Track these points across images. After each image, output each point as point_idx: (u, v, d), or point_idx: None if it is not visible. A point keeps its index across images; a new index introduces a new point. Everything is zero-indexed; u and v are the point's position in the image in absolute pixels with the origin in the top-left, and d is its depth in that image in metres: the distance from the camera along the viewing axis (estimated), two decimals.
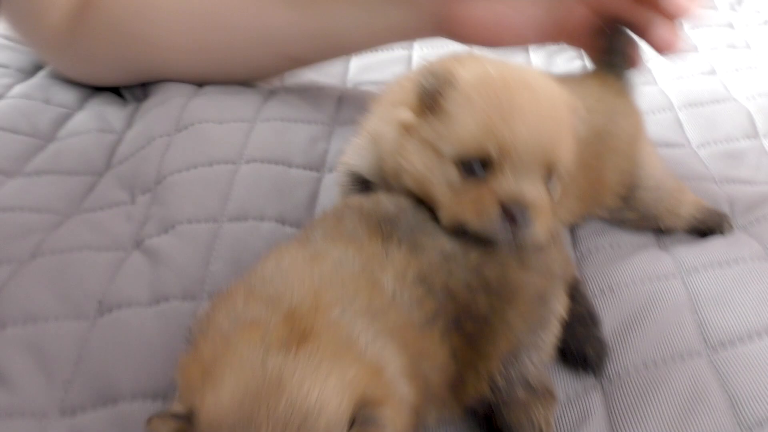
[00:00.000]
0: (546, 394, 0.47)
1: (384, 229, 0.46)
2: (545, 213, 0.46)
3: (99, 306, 0.55)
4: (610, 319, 0.55)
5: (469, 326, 0.44)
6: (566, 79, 0.59)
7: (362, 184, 0.56)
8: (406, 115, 0.50)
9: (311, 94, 0.83)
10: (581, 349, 0.51)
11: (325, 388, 0.36)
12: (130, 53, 0.79)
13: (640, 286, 0.57)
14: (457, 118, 0.47)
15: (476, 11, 0.68)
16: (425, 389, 0.42)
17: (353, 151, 0.57)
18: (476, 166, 0.46)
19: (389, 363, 0.39)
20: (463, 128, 0.46)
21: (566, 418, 0.49)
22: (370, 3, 0.72)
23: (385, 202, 0.49)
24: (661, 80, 0.92)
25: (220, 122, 0.74)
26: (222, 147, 0.70)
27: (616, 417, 0.48)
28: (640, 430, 0.47)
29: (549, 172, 0.47)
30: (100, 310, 0.55)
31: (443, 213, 0.47)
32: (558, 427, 0.48)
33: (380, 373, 0.38)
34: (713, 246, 0.61)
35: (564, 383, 0.51)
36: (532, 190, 0.45)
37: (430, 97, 0.48)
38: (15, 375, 0.49)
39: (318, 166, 0.71)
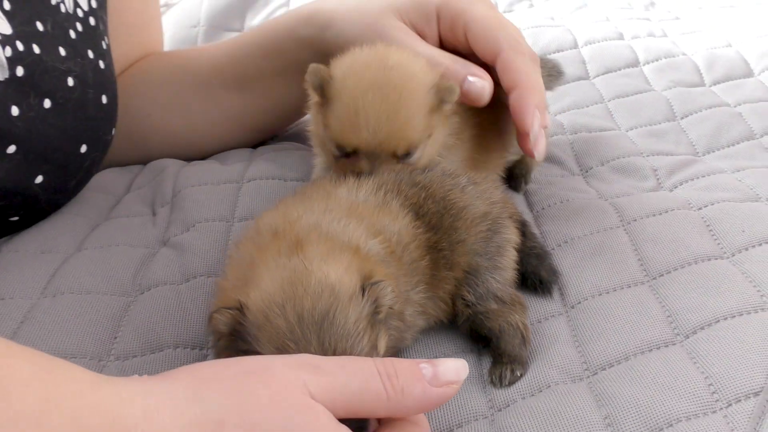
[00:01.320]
0: (516, 303, 0.58)
1: (341, 176, 0.60)
2: None
3: (139, 287, 0.65)
4: (568, 262, 0.66)
5: (428, 218, 0.57)
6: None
7: None
8: (314, 97, 0.65)
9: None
10: (537, 273, 0.63)
11: (337, 270, 0.47)
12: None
13: (590, 237, 0.69)
14: (330, 113, 0.63)
15: None
16: (398, 251, 0.54)
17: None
18: (345, 152, 0.62)
19: (357, 237, 0.52)
20: (332, 126, 0.63)
21: (537, 340, 0.60)
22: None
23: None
24: (593, 76, 1.06)
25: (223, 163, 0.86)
26: (225, 173, 0.82)
27: (579, 335, 0.59)
28: (599, 343, 0.58)
29: (401, 153, 0.62)
30: (140, 289, 0.65)
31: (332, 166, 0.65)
32: (535, 351, 0.59)
33: (358, 249, 0.51)
34: (648, 199, 0.74)
35: (533, 311, 0.62)
36: (381, 168, 0.61)
37: (318, 89, 0.63)
38: (72, 326, 0.59)
39: (308, 178, 0.82)
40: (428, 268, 0.56)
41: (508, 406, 0.53)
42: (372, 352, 0.47)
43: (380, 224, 0.55)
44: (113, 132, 0.80)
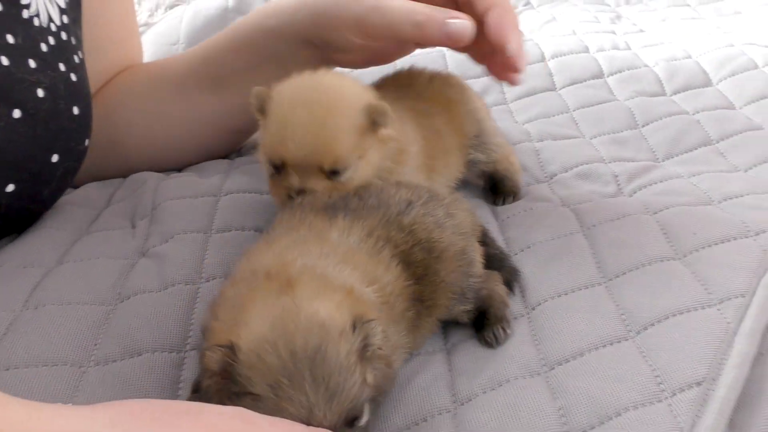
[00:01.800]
0: (491, 277, 0.64)
1: (328, 211, 0.61)
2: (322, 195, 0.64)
3: (118, 296, 0.67)
4: (529, 267, 0.70)
5: (415, 269, 0.59)
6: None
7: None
8: (258, 117, 0.68)
9: None
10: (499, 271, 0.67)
11: (327, 307, 0.49)
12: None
13: (551, 243, 0.73)
14: (265, 130, 0.67)
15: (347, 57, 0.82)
16: (390, 301, 0.56)
17: None
18: (276, 166, 0.66)
19: (352, 281, 0.54)
20: (265, 141, 0.67)
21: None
22: (285, 69, 0.83)
23: (325, 196, 0.64)
24: (559, 88, 1.10)
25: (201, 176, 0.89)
26: (203, 187, 0.85)
27: (539, 334, 0.63)
28: (557, 341, 0.61)
29: (328, 169, 0.65)
30: (120, 298, 0.67)
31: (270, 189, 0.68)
32: (496, 350, 0.62)
33: (351, 291, 0.52)
34: (607, 204, 0.78)
35: None
36: (310, 183, 0.64)
37: (260, 109, 0.67)
38: (53, 335, 0.62)
39: None
40: (412, 319, 0.59)
41: (470, 400, 0.56)
42: (363, 386, 0.48)
43: (375, 273, 0.57)
44: (86, 142, 0.82)
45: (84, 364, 0.60)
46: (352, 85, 0.69)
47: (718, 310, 0.62)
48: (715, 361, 0.56)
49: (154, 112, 0.92)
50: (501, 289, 0.63)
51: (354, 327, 0.49)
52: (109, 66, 0.94)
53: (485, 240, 0.68)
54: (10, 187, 0.72)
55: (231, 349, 0.47)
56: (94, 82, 0.91)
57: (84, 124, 0.80)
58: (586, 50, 1.20)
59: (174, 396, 0.58)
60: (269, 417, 0.45)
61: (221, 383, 0.48)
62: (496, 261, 0.67)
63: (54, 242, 0.78)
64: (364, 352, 0.49)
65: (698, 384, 0.54)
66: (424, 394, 0.57)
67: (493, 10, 0.70)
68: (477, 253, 0.64)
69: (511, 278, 0.67)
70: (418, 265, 0.59)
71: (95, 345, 0.62)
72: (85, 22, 0.87)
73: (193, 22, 1.36)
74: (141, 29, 1.30)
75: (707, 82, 1.10)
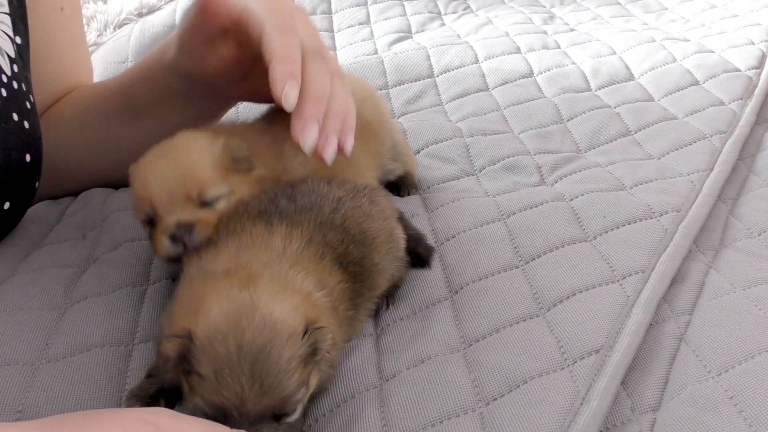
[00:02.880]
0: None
1: (262, 217, 0.65)
2: (201, 222, 0.66)
3: (69, 300, 0.72)
4: (453, 255, 0.76)
5: (351, 267, 0.64)
6: None
7: None
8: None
9: None
10: (416, 252, 0.73)
11: (283, 309, 0.54)
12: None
13: (474, 231, 0.79)
14: (132, 195, 0.71)
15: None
16: (336, 305, 0.61)
17: None
18: (150, 220, 0.68)
19: (308, 286, 0.58)
20: (132, 203, 0.71)
21: (425, 322, 0.68)
22: (191, 104, 0.87)
23: (255, 200, 0.67)
24: (491, 88, 1.17)
25: None
26: None
27: (460, 315, 0.68)
28: (475, 320, 0.67)
29: (197, 197, 0.67)
30: (71, 302, 0.71)
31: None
32: (412, 330, 0.67)
33: (309, 295, 0.58)
34: (528, 194, 0.84)
35: (423, 298, 0.71)
36: (185, 215, 0.66)
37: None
38: (6, 337, 0.66)
39: None
40: (352, 317, 0.64)
41: (395, 376, 0.62)
42: (300, 388, 0.53)
43: (323, 278, 0.61)
44: (36, 185, 0.84)
45: (36, 363, 0.64)
46: (204, 134, 0.71)
47: (620, 285, 0.68)
48: (613, 330, 0.63)
49: (79, 137, 0.94)
50: (405, 274, 0.71)
51: (306, 332, 0.54)
52: (58, 89, 0.97)
53: (402, 221, 0.73)
54: None
55: (188, 337, 0.53)
56: (43, 103, 0.94)
57: (35, 169, 0.83)
58: (518, 51, 1.27)
59: (122, 384, 0.62)
60: (189, 417, 0.50)
61: (177, 364, 0.53)
62: (411, 240, 0.73)
63: (6, 257, 0.81)
64: (311, 357, 0.54)
65: (596, 351, 0.60)
66: (353, 374, 0.62)
67: (271, 63, 0.64)
68: (400, 234, 0.70)
69: (426, 254, 0.74)
70: (355, 263, 0.64)
71: (46, 344, 0.66)
72: (34, 52, 0.90)
73: (140, 39, 1.40)
74: (91, 49, 1.33)
75: (629, 77, 1.17)
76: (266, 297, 0.54)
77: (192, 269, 0.62)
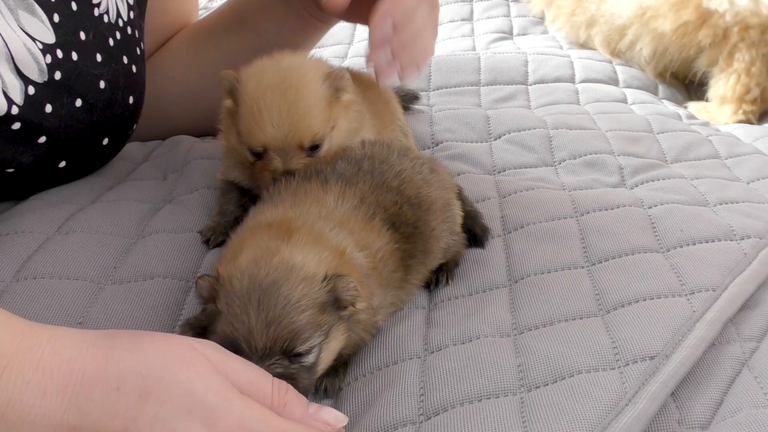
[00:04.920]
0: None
1: (319, 177, 0.66)
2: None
3: (141, 232, 0.75)
4: (520, 245, 0.74)
5: (404, 228, 0.64)
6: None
7: (234, 187, 0.77)
8: (228, 102, 0.73)
9: None
10: (472, 230, 0.73)
11: (306, 257, 0.55)
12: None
13: (544, 224, 0.77)
14: (239, 119, 0.70)
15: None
16: (379, 267, 0.61)
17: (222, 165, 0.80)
18: (257, 153, 0.70)
19: (346, 245, 0.59)
20: (242, 129, 0.70)
21: (480, 305, 0.67)
22: (290, 17, 0.92)
23: (313, 166, 0.69)
24: (582, 103, 1.15)
25: None
26: None
27: (516, 303, 0.67)
28: (531, 310, 0.66)
29: (308, 147, 0.69)
30: (143, 234, 0.74)
31: (252, 176, 0.72)
32: (465, 309, 0.67)
33: (343, 253, 0.58)
34: (605, 194, 0.82)
35: (481, 281, 0.70)
36: (293, 163, 0.68)
37: (231, 95, 0.71)
38: (79, 255, 0.69)
39: None
40: (399, 279, 0.64)
41: (440, 350, 0.62)
42: (314, 330, 0.53)
43: (367, 239, 0.62)
44: (134, 127, 0.89)
45: (102, 282, 0.67)
46: (310, 60, 0.75)
47: (688, 299, 0.65)
48: (673, 341, 0.60)
49: (189, 60, 0.98)
50: (462, 250, 0.71)
51: (326, 279, 0.54)
52: (167, 36, 1.02)
53: (460, 197, 0.73)
54: (62, 164, 0.80)
55: (216, 278, 0.55)
56: (152, 49, 0.98)
57: (135, 112, 0.87)
58: (614, 75, 1.27)
59: (178, 314, 0.65)
60: (239, 358, 0.52)
61: (209, 302, 0.56)
62: (469, 218, 0.73)
63: (92, 186, 0.85)
64: (333, 307, 0.55)
65: (651, 358, 0.58)
66: (399, 341, 0.63)
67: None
68: (458, 209, 0.70)
69: (481, 234, 0.74)
70: (408, 223, 0.65)
71: (114, 268, 0.69)
72: (151, 2, 0.94)
73: None
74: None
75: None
76: (293, 247, 0.56)
77: (249, 220, 0.64)
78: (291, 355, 0.53)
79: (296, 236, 0.57)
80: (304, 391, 0.53)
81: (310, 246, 0.56)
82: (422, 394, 0.57)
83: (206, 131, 1.00)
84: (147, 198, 0.83)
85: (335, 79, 0.71)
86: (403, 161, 0.69)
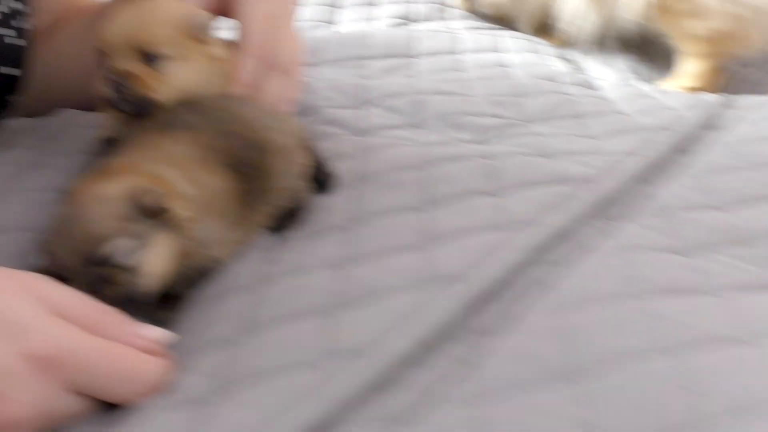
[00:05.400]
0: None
1: (165, 127, 0.69)
2: (140, 80, 0.71)
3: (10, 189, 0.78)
4: (365, 192, 0.79)
5: (243, 169, 0.69)
6: None
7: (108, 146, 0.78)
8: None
9: None
10: (319, 177, 0.78)
11: (115, 184, 0.59)
12: None
13: (392, 173, 0.83)
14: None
15: None
16: (210, 199, 0.66)
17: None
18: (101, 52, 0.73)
19: (169, 176, 0.63)
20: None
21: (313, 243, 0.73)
22: None
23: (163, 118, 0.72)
24: None
25: None
26: None
27: (348, 240, 0.72)
28: (360, 246, 0.71)
29: (146, 54, 0.71)
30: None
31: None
32: (299, 248, 0.71)
33: (160, 177, 0.62)
34: (452, 148, 0.88)
35: (318, 225, 0.75)
36: (129, 66, 0.71)
37: None
38: None
39: None
40: (237, 215, 0.68)
41: (270, 280, 0.67)
42: (120, 234, 0.57)
43: (197, 175, 0.65)
44: (12, 100, 0.90)
45: None
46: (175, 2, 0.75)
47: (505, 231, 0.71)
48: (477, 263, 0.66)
49: (85, 37, 0.95)
50: (308, 196, 0.75)
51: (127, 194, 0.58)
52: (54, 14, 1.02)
53: (310, 147, 0.78)
54: None
55: None
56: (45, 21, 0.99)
57: (10, 84, 0.88)
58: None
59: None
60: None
61: None
62: (317, 167, 0.78)
63: None
64: (144, 216, 0.58)
65: (458, 278, 0.64)
66: (234, 275, 0.68)
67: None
68: (302, 156, 0.75)
69: (325, 180, 0.79)
70: (248, 165, 0.69)
71: None
72: None
73: None
74: None
75: None
76: (106, 182, 0.60)
77: (91, 171, 0.67)
78: (96, 261, 0.57)
79: (117, 175, 0.61)
80: (128, 296, 0.57)
81: (124, 177, 0.60)
82: (242, 318, 0.62)
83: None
84: (17, 161, 0.84)
85: (194, 18, 0.73)
86: (246, 108, 0.74)
